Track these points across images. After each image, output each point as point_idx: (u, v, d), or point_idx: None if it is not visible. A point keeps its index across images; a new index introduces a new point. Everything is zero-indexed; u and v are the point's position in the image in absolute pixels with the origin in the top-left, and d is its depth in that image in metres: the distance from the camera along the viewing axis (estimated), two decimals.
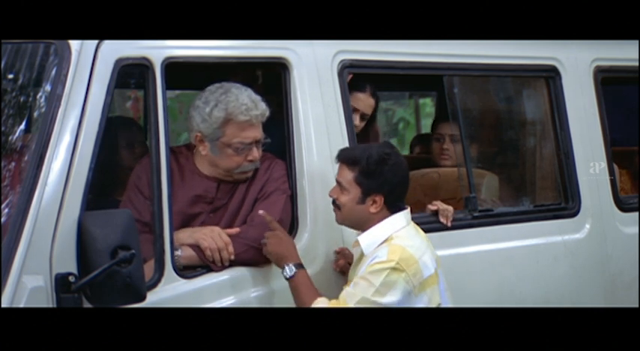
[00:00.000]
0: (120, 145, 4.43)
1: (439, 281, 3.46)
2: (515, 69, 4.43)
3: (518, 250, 4.19)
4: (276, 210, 3.61)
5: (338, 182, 3.49)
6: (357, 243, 3.51)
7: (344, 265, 3.68)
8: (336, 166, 3.52)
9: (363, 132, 4.28)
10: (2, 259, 2.98)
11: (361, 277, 3.35)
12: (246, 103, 3.54)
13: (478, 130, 4.57)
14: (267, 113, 3.61)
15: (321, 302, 3.38)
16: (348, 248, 3.71)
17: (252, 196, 3.66)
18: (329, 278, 3.69)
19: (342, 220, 3.54)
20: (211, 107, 3.54)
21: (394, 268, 3.32)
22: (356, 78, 4.21)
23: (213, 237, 3.48)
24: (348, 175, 3.45)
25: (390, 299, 3.31)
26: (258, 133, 3.59)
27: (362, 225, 3.49)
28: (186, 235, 3.51)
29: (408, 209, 3.53)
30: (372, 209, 3.45)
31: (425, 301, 3.39)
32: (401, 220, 3.48)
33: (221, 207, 3.66)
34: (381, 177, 3.43)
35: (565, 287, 4.33)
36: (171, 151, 3.65)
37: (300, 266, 3.46)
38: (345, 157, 3.49)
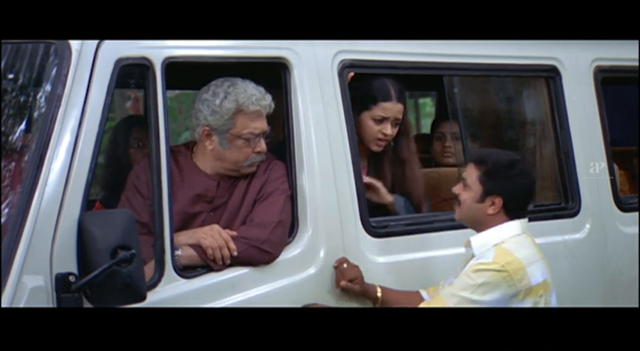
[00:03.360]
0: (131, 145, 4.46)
1: (551, 295, 3.51)
2: (515, 69, 4.42)
3: None
4: (276, 211, 3.61)
5: (463, 179, 3.55)
6: (468, 243, 3.55)
7: (345, 285, 3.64)
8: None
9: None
10: (2, 259, 2.99)
11: (464, 274, 3.41)
12: (255, 93, 3.59)
13: (478, 130, 4.57)
14: (273, 105, 3.64)
15: (423, 303, 3.52)
16: (347, 260, 3.68)
17: (252, 196, 3.66)
18: (329, 278, 3.69)
19: (461, 217, 3.59)
20: (221, 99, 3.57)
21: (498, 271, 3.37)
22: (377, 86, 4.10)
23: (213, 235, 3.48)
24: (474, 173, 3.51)
25: (489, 298, 3.36)
26: (265, 124, 3.63)
27: (479, 224, 3.53)
28: (186, 236, 3.52)
29: (526, 219, 3.56)
30: (490, 210, 3.49)
31: (529, 306, 3.43)
32: (516, 227, 3.52)
33: (221, 206, 3.67)
34: (504, 180, 3.48)
35: (565, 287, 4.32)
36: (170, 151, 3.66)
37: (379, 290, 3.64)
38: (475, 156, 3.58)
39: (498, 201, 3.49)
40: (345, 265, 3.66)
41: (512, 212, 3.52)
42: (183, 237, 3.51)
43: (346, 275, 3.63)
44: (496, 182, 3.49)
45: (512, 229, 3.51)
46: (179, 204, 3.55)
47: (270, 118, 3.69)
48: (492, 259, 3.41)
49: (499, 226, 3.51)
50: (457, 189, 3.57)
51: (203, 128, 3.61)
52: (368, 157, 4.16)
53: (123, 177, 3.94)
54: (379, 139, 4.06)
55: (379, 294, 3.66)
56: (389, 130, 4.07)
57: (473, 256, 3.51)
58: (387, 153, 4.16)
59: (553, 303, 3.53)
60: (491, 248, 3.46)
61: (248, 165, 3.65)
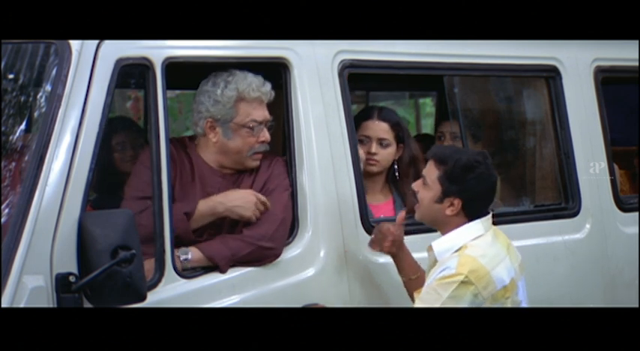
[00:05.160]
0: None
1: (517, 292, 3.41)
2: (515, 69, 4.42)
3: (519, 250, 4.17)
4: (279, 208, 3.62)
5: (422, 176, 3.47)
6: (430, 248, 3.46)
7: (389, 246, 3.64)
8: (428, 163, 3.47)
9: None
10: (2, 259, 2.99)
11: (431, 288, 3.32)
12: (254, 80, 3.61)
13: (478, 130, 4.57)
14: (273, 94, 3.65)
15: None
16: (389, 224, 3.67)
17: (256, 192, 3.65)
18: (329, 278, 3.69)
19: (420, 216, 3.51)
20: (222, 88, 3.59)
21: (463, 282, 3.27)
22: (364, 108, 4.14)
23: (251, 209, 3.53)
24: (434, 173, 3.42)
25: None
26: (267, 113, 3.64)
27: (438, 225, 3.45)
28: (213, 204, 3.54)
29: (489, 216, 3.47)
30: (448, 211, 3.39)
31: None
32: (478, 228, 3.41)
33: None
34: (464, 183, 3.38)
35: (565, 287, 4.33)
36: (176, 141, 3.67)
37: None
38: (435, 154, 3.47)
39: (457, 202, 3.38)
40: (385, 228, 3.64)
41: (472, 213, 3.42)
42: (211, 204, 3.53)
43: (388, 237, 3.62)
44: (456, 185, 3.38)
45: (473, 231, 3.40)
46: (187, 196, 3.57)
47: (271, 116, 3.69)
48: (455, 269, 3.29)
49: (460, 228, 3.40)
50: (416, 186, 3.48)
51: (206, 120, 3.62)
52: (390, 188, 4.17)
53: (112, 180, 3.95)
54: (367, 159, 4.06)
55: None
56: (373, 148, 4.07)
57: (436, 261, 3.42)
58: (403, 180, 4.16)
59: (520, 299, 3.42)
60: (455, 255, 3.35)
61: (252, 155, 3.64)
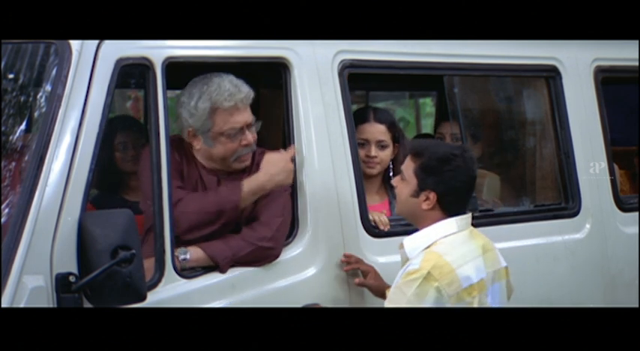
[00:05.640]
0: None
1: (487, 294, 3.34)
2: (515, 69, 4.42)
3: (518, 250, 4.19)
4: (279, 208, 3.62)
5: (401, 171, 3.43)
6: (401, 245, 3.41)
7: (361, 282, 3.69)
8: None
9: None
10: (2, 259, 2.99)
11: (396, 287, 3.30)
12: (228, 89, 3.56)
13: (478, 129, 4.57)
14: (252, 95, 3.62)
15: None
16: (355, 258, 3.71)
17: None
18: (329, 278, 3.69)
19: (398, 211, 3.49)
20: (195, 100, 3.58)
21: (425, 278, 3.22)
22: (356, 112, 4.13)
23: (292, 175, 3.62)
24: (410, 166, 3.37)
25: (426, 305, 3.22)
26: (247, 116, 3.60)
27: (416, 220, 3.39)
28: (261, 182, 3.58)
29: (467, 215, 3.40)
30: (424, 205, 3.34)
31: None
32: (450, 226, 3.35)
33: None
34: (440, 175, 3.32)
35: (565, 287, 4.33)
36: (176, 140, 3.68)
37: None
38: (413, 148, 3.44)
39: (432, 196, 3.32)
40: (352, 259, 3.67)
41: (448, 209, 3.35)
42: (259, 182, 3.57)
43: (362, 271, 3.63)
44: (431, 177, 3.33)
45: (445, 229, 3.34)
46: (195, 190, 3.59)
47: (270, 118, 3.68)
48: (419, 265, 3.25)
49: (432, 226, 3.35)
50: (395, 181, 3.44)
51: (187, 130, 3.63)
52: (385, 189, 4.17)
53: (112, 179, 3.95)
54: (366, 162, 4.06)
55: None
56: (372, 151, 4.06)
57: (407, 259, 3.37)
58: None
59: (490, 302, 3.35)
60: (422, 253, 3.31)
61: (235, 159, 3.63)
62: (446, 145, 3.55)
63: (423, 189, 3.34)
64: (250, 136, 3.61)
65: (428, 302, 3.21)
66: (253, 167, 3.68)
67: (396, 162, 4.15)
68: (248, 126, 3.61)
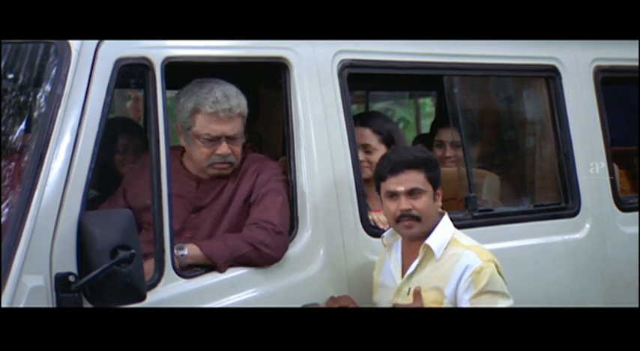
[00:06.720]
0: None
1: None
2: (515, 69, 4.42)
3: (518, 250, 4.19)
4: (273, 213, 3.59)
5: (409, 191, 3.47)
6: (426, 246, 3.48)
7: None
8: (390, 177, 3.50)
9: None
10: (2, 259, 2.99)
11: (477, 295, 3.36)
12: (216, 96, 3.57)
13: (478, 129, 4.57)
14: (242, 109, 3.60)
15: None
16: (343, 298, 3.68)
17: (240, 198, 3.64)
18: (329, 279, 3.69)
19: (422, 230, 3.51)
20: (185, 98, 3.63)
21: (496, 265, 3.43)
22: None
23: None
24: (418, 177, 3.49)
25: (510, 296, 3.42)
26: (227, 128, 3.58)
27: (432, 222, 3.52)
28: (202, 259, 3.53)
29: None
30: (439, 203, 3.54)
31: None
32: (446, 217, 3.57)
33: (203, 207, 3.66)
34: (439, 170, 3.55)
35: (565, 287, 4.33)
36: (175, 147, 3.69)
37: None
38: (409, 163, 3.50)
39: (441, 192, 3.55)
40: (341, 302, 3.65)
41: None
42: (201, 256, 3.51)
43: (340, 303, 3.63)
44: (437, 175, 3.53)
45: (449, 220, 3.56)
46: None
47: (269, 118, 3.68)
48: (482, 262, 3.40)
49: (442, 221, 3.53)
50: (404, 205, 3.46)
51: (176, 124, 3.67)
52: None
53: (110, 180, 3.95)
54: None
55: None
56: (361, 156, 3.99)
57: (435, 259, 3.46)
58: None
59: None
60: (460, 250, 3.44)
61: (209, 166, 3.62)
62: (414, 148, 3.88)
63: (436, 189, 3.52)
64: (226, 148, 3.59)
65: (505, 287, 3.42)
66: (240, 173, 3.67)
67: None
68: (228, 138, 3.59)
